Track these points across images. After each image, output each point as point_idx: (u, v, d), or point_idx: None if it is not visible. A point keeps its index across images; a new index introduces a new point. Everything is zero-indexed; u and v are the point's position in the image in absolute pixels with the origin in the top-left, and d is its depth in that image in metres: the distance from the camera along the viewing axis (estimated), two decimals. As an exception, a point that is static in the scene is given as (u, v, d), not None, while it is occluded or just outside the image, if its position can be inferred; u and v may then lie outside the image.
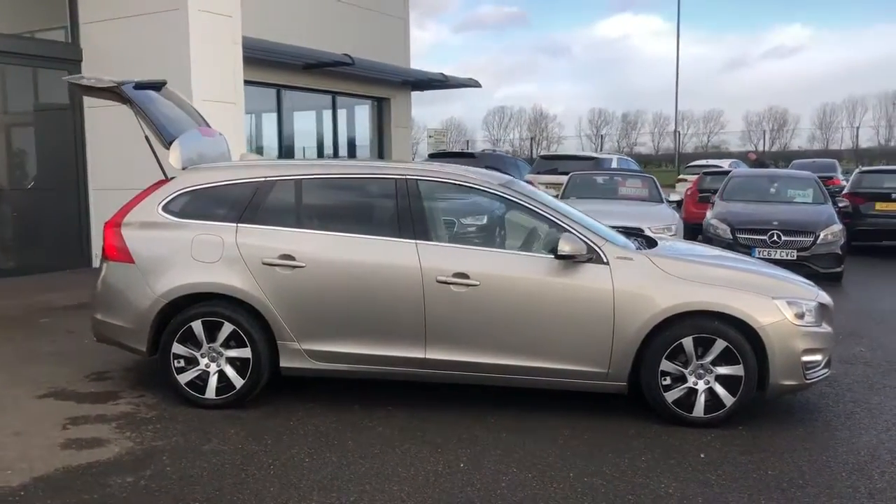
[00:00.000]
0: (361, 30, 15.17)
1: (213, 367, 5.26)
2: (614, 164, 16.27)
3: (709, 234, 11.53)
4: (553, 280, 5.08)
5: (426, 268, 5.09)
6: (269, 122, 14.30)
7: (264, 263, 5.18)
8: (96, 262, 11.23)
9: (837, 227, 11.07)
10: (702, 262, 5.36)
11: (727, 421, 5.07)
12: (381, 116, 16.19)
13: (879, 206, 13.98)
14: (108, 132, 10.80)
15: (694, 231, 13.45)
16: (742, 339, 5.00)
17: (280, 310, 5.17)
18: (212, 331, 5.24)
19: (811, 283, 5.56)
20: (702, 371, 5.05)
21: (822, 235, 10.81)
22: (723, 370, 5.02)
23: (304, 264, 5.16)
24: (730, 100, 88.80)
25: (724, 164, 25.37)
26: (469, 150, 21.38)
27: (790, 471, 4.41)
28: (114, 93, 5.63)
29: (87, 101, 11.03)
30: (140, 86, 5.68)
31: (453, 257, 5.14)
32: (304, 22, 13.79)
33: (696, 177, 18.55)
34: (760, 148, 65.84)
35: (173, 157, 5.56)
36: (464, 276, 5.06)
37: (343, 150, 15.40)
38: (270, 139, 14.32)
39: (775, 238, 10.81)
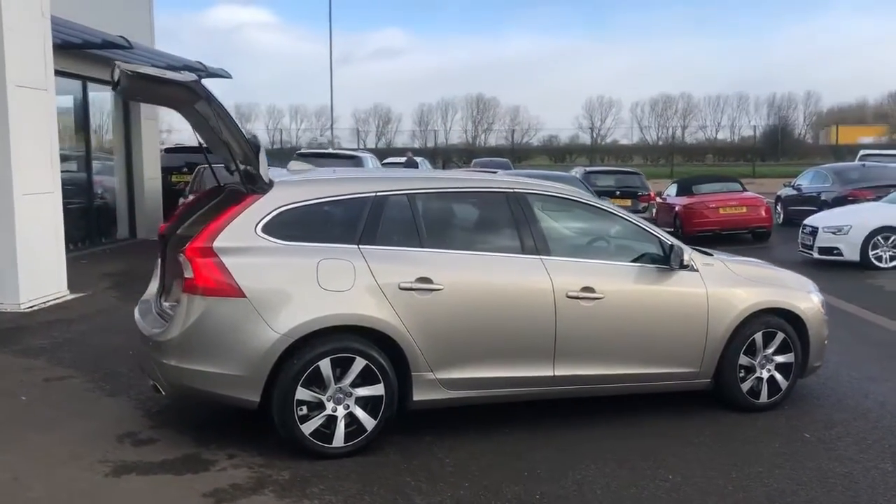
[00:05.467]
0: (102, 4, 13.29)
1: (341, 411, 4.59)
2: (370, 164, 16.42)
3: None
4: (661, 289, 5.34)
5: (556, 283, 5.02)
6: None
7: (401, 288, 4.66)
8: None
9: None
10: (755, 265, 6.03)
11: (779, 403, 5.79)
12: (127, 106, 14.28)
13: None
14: None
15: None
16: (793, 330, 5.76)
17: (418, 338, 4.70)
18: (337, 369, 4.58)
19: None
20: (764, 361, 5.70)
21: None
22: (780, 359, 5.71)
23: (441, 287, 4.75)
24: (339, 96, 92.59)
25: (417, 160, 26.77)
26: None
27: (887, 437, 5.23)
28: (187, 89, 4.52)
29: None
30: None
31: (577, 272, 5.14)
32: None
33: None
34: (369, 144, 70.17)
35: (263, 168, 4.70)
36: (590, 289, 5.09)
37: (87, 144, 13.30)
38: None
39: None
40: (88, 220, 13.14)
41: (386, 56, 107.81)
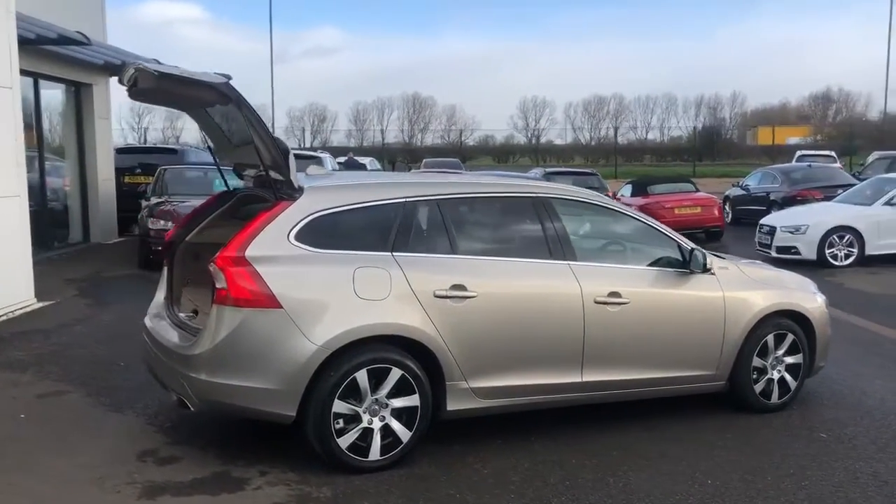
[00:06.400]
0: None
1: (377, 423, 4.46)
2: (328, 164, 16.18)
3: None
4: (681, 292, 5.35)
5: (585, 289, 4.98)
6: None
7: (436, 296, 4.55)
8: None
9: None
10: (762, 268, 6.09)
11: (788, 404, 5.86)
12: (80, 105, 13.68)
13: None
14: None
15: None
16: (801, 331, 5.84)
17: (452, 346, 4.59)
18: (372, 380, 4.44)
19: None
20: (775, 362, 5.77)
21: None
22: (790, 360, 5.79)
23: (475, 294, 4.65)
24: (274, 94, 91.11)
25: (366, 160, 26.53)
26: (170, 145, 19.12)
27: (900, 436, 5.35)
28: (216, 91, 4.30)
29: None
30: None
31: (604, 277, 5.11)
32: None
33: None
34: (304, 143, 69.36)
35: (293, 173, 4.53)
36: (617, 294, 5.07)
37: (39, 145, 12.67)
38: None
39: None
40: (41, 224, 12.53)
41: (320, 54, 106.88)
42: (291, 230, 4.41)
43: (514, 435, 5.09)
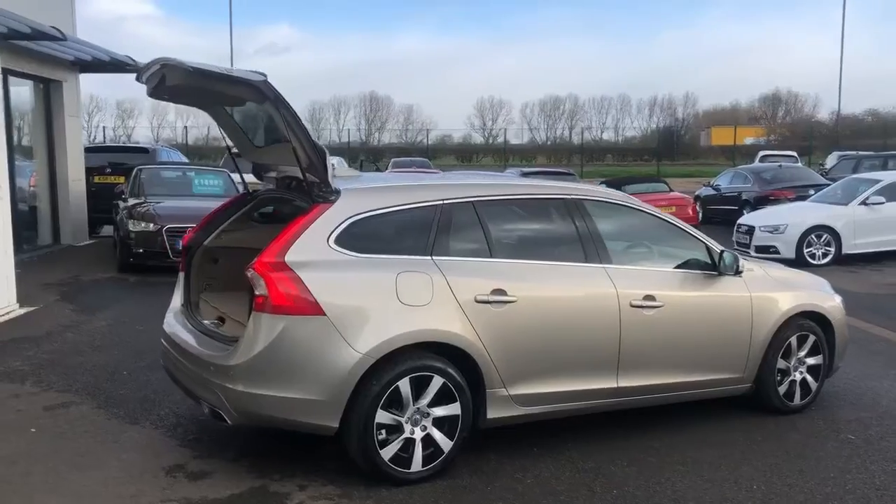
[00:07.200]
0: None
1: (418, 433, 4.31)
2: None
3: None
4: (712, 294, 5.30)
5: (621, 293, 4.89)
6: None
7: (478, 301, 4.41)
8: None
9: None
10: (782, 269, 6.08)
11: (809, 404, 5.86)
12: (49, 102, 13.16)
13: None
14: None
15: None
16: (822, 332, 5.84)
17: (493, 353, 4.46)
18: (414, 389, 4.30)
19: None
20: (797, 364, 5.76)
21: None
22: (811, 361, 5.78)
23: (515, 298, 4.53)
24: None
25: (334, 160, 26.17)
26: (141, 144, 18.54)
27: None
28: (253, 89, 4.09)
29: None
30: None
31: (638, 279, 5.03)
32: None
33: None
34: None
35: (330, 175, 4.35)
36: (651, 298, 4.99)
37: (9, 143, 12.14)
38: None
39: None
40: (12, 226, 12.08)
41: (275, 52, 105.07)
42: (331, 234, 4.23)
43: (548, 441, 4.98)
